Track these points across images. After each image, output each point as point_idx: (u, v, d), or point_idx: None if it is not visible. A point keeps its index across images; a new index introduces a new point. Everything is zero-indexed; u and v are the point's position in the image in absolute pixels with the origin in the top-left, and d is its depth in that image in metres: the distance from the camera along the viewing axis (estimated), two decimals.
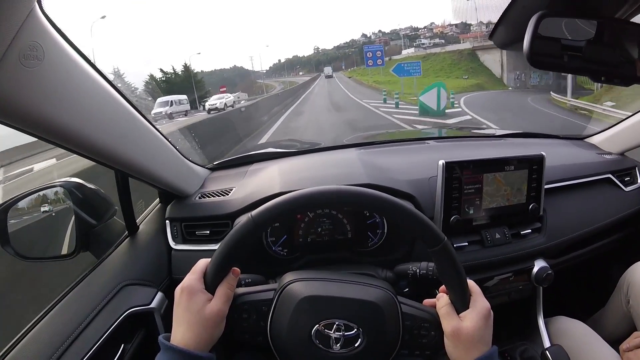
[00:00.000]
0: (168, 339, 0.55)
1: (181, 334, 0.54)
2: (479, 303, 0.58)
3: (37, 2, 0.50)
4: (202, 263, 0.59)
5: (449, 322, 0.57)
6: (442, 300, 0.60)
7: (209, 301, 0.56)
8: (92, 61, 0.64)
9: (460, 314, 0.57)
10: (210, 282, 0.57)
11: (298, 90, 29.25)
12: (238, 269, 0.60)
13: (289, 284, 0.61)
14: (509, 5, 0.64)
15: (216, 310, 0.55)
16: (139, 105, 0.78)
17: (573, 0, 0.60)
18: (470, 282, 0.60)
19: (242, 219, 0.86)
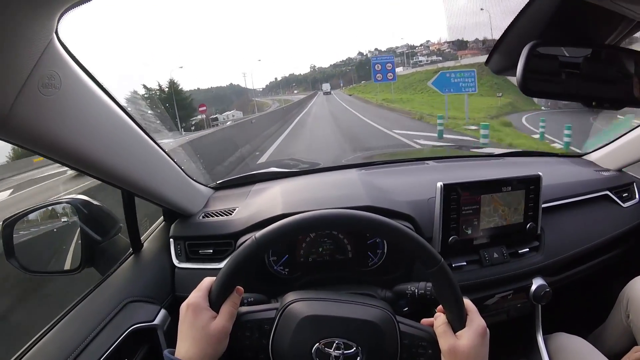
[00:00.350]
0: (173, 353, 0.56)
1: (185, 349, 0.56)
2: (475, 322, 0.60)
3: (55, 32, 0.52)
4: (207, 281, 0.61)
5: (446, 340, 0.58)
6: (439, 319, 0.61)
7: (214, 318, 0.57)
8: (104, 87, 0.67)
9: (457, 333, 0.59)
10: (215, 300, 0.59)
11: (291, 111, 22.34)
12: (242, 288, 0.62)
13: (290, 304, 0.63)
14: (503, 33, 0.67)
15: (220, 327, 0.57)
16: (147, 127, 0.80)
17: (564, 30, 0.63)
18: (467, 301, 0.62)
19: (246, 239, 0.88)
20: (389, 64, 18.53)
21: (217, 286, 0.59)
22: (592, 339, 1.05)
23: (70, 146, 0.59)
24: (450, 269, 0.60)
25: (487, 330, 0.60)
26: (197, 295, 0.59)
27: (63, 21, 0.52)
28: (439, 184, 0.92)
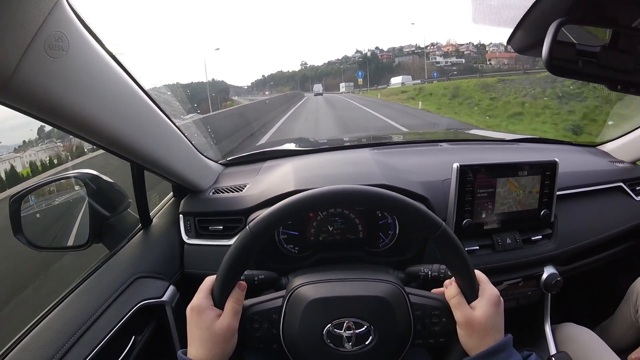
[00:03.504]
0: (186, 353, 0.56)
1: (195, 351, 0.56)
2: (488, 291, 0.59)
3: None
4: (209, 281, 0.60)
5: (461, 312, 0.58)
6: (452, 290, 0.60)
7: (218, 317, 0.57)
8: (114, 54, 0.65)
9: (471, 304, 0.58)
10: (219, 298, 0.58)
11: None
12: (244, 283, 0.61)
13: (295, 289, 0.62)
14: (528, 10, 0.65)
15: (226, 325, 0.56)
16: (158, 99, 0.79)
17: (592, 8, 0.61)
18: (477, 271, 0.61)
19: (257, 215, 0.87)
20: None
21: (217, 284, 0.58)
22: (598, 332, 1.04)
23: (77, 112, 0.57)
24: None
25: (501, 298, 0.59)
26: (199, 296, 0.59)
27: None
28: (455, 165, 0.90)
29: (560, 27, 0.58)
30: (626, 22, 0.61)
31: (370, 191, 0.57)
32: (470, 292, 0.58)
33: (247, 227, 0.57)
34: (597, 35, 0.63)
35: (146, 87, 0.75)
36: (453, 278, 0.61)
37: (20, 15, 0.43)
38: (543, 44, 0.59)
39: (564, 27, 0.59)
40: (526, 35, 0.70)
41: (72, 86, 0.54)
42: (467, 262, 0.58)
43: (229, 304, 0.57)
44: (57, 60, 0.50)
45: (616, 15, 0.61)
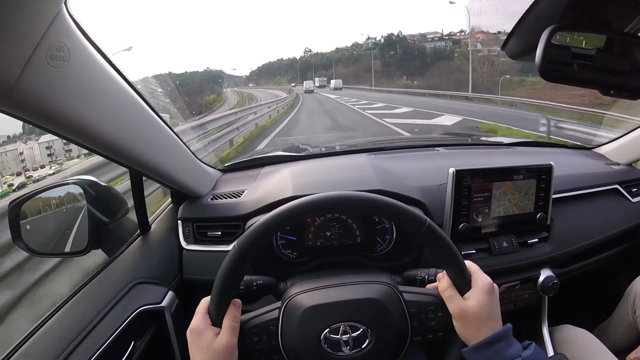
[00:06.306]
0: None
1: None
2: (480, 280, 0.59)
3: (65, 3, 0.51)
4: (205, 301, 0.61)
5: (454, 304, 0.58)
6: (444, 283, 0.60)
7: (217, 335, 0.58)
8: (114, 63, 0.66)
9: (464, 295, 0.59)
10: (215, 317, 0.59)
11: None
12: (239, 300, 0.61)
13: (290, 299, 0.63)
14: (522, 17, 0.66)
15: (224, 343, 0.57)
16: (156, 106, 0.79)
17: (584, 14, 0.62)
18: (468, 263, 0.61)
19: (255, 221, 0.87)
20: None
21: (212, 303, 0.59)
22: (597, 333, 1.04)
23: (79, 121, 0.58)
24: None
25: (495, 286, 0.60)
26: (197, 318, 0.59)
27: None
28: (451, 170, 0.91)
29: (553, 33, 0.59)
30: (619, 27, 0.62)
31: (354, 196, 0.58)
32: (462, 284, 0.59)
33: (235, 244, 0.58)
34: (591, 42, 0.64)
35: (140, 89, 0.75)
36: (444, 272, 0.61)
37: (23, 26, 0.43)
38: (536, 50, 0.60)
39: (559, 35, 0.60)
40: (520, 42, 0.70)
41: (73, 95, 0.55)
42: (455, 254, 0.58)
43: (226, 322, 0.58)
44: (58, 70, 0.51)
45: (609, 21, 0.62)
